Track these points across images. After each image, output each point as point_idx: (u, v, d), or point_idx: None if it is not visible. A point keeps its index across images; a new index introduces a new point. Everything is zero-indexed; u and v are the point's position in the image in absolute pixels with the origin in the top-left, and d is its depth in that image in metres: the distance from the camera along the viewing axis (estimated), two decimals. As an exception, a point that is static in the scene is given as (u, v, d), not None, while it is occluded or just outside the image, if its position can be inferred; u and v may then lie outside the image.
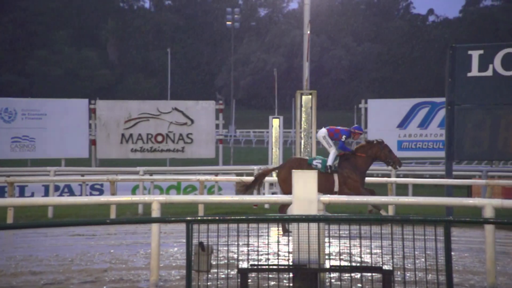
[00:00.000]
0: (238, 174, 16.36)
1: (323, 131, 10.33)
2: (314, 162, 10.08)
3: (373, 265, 5.86)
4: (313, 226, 5.92)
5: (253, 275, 5.97)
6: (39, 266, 7.50)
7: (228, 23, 51.74)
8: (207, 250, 5.76)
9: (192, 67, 57.50)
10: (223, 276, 5.93)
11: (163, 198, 7.18)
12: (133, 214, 12.57)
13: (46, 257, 7.97)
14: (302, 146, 6.74)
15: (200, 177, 13.08)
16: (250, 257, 5.95)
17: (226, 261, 5.93)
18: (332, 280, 6.16)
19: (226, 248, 5.79)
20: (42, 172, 14.58)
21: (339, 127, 10.41)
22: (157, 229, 6.72)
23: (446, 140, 11.44)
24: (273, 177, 15.80)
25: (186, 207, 12.01)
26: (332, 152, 10.15)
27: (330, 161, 10.08)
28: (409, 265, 5.73)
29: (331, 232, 5.87)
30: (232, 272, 6.06)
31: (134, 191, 15.01)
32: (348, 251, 6.02)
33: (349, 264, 6.08)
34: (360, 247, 5.76)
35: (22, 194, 14.92)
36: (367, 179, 15.17)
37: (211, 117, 17.36)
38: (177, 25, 59.02)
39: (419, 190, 15.48)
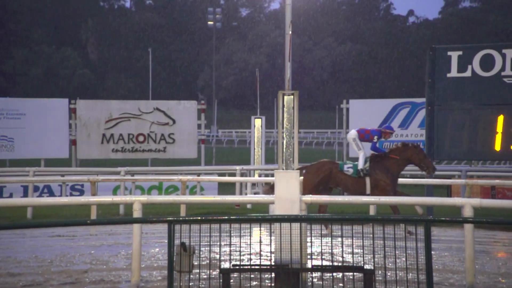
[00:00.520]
0: (220, 174, 16.35)
1: (353, 133, 10.13)
2: (345, 168, 9.88)
3: (355, 264, 5.90)
4: (295, 226, 5.93)
5: (235, 275, 5.96)
6: (18, 268, 7.40)
7: (209, 23, 51.64)
8: (189, 251, 5.73)
9: (173, 67, 57.27)
10: (205, 276, 5.91)
11: (144, 198, 7.13)
12: (114, 215, 12.47)
13: (25, 259, 7.87)
14: (284, 146, 6.74)
15: (182, 177, 13.03)
16: (232, 257, 5.94)
17: (208, 261, 5.91)
18: (314, 280, 6.18)
19: (208, 248, 5.78)
20: (21, 173, 14.38)
21: (369, 128, 10.20)
22: (138, 230, 6.68)
23: (426, 140, 11.55)
24: (256, 177, 15.85)
25: (168, 207, 11.96)
26: (362, 155, 9.94)
27: (360, 164, 9.88)
28: (390, 264, 5.77)
29: (313, 232, 5.89)
30: (214, 273, 6.05)
31: (115, 191, 14.89)
32: (330, 250, 6.05)
33: (331, 264, 6.10)
34: (342, 246, 5.78)
35: (0, 194, 14.70)
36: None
37: (193, 117, 17.30)
38: (159, 24, 58.73)
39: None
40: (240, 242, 5.87)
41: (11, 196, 14.48)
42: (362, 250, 5.78)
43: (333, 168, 9.96)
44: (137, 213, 6.87)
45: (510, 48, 11.19)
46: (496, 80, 11.11)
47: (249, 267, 6.01)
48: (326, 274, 6.08)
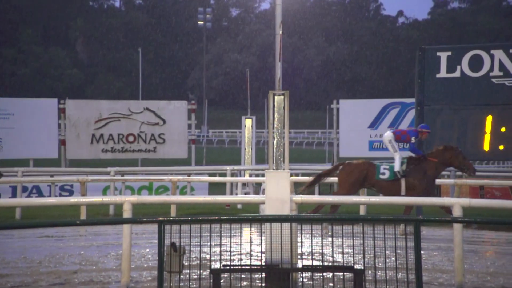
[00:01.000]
0: (210, 175, 16.33)
1: (389, 134, 9.90)
2: (382, 169, 9.73)
3: (345, 264, 5.91)
4: (286, 226, 5.94)
5: (225, 275, 5.96)
6: (6, 269, 7.34)
7: (200, 22, 51.55)
8: (179, 251, 5.72)
9: (164, 66, 57.11)
10: (196, 276, 5.90)
11: (134, 198, 7.11)
12: (104, 215, 12.41)
13: (13, 259, 7.81)
14: (275, 146, 6.74)
15: (173, 178, 13.01)
16: (222, 258, 5.94)
17: (198, 261, 5.90)
18: (304, 280, 6.19)
19: (198, 248, 5.77)
20: (10, 173, 14.28)
21: (405, 129, 9.99)
22: (128, 230, 6.65)
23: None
24: (246, 177, 15.86)
25: (158, 207, 11.92)
26: (398, 157, 9.73)
27: (397, 166, 9.67)
28: (380, 264, 5.79)
29: (303, 232, 5.91)
30: (204, 273, 6.04)
31: (105, 191, 14.82)
32: (320, 250, 6.06)
33: (321, 264, 6.11)
34: (332, 246, 5.80)
35: (-12, 195, 14.58)
36: (335, 179, 15.30)
37: (183, 117, 17.26)
38: (148, 24, 58.55)
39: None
40: (231, 242, 5.87)
41: (-1, 196, 14.37)
42: (352, 250, 5.80)
43: (369, 168, 9.80)
44: (127, 213, 6.85)
45: (498, 48, 11.29)
46: (485, 81, 11.20)
47: (239, 267, 6.00)
48: (316, 274, 6.09)
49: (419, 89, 11.53)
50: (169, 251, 5.69)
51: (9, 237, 9.61)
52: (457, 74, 11.36)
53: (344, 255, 5.84)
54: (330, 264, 6.05)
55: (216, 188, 16.08)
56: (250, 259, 6.11)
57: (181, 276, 5.79)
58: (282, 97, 6.67)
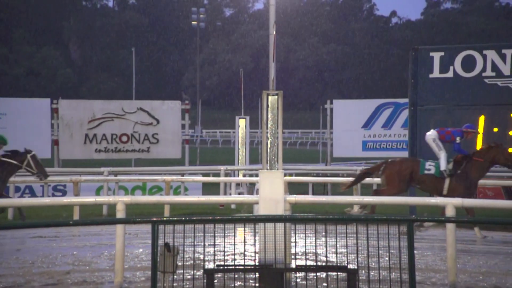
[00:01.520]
0: (204, 175, 16.32)
1: (433, 133, 9.73)
2: (427, 166, 9.58)
3: (339, 264, 5.92)
4: (280, 226, 5.94)
5: (219, 275, 5.96)
6: (-1, 270, 7.31)
7: (193, 23, 51.49)
8: (173, 251, 5.72)
9: (157, 66, 57.01)
10: (189, 277, 5.89)
11: (128, 198, 7.10)
12: (98, 216, 12.37)
13: (6, 260, 7.77)
14: (269, 147, 6.75)
15: (166, 178, 12.99)
16: (216, 258, 5.94)
17: (192, 261, 5.90)
18: (298, 280, 6.20)
19: (192, 248, 5.76)
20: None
21: (449, 129, 9.80)
22: (122, 230, 6.64)
23: (409, 140, 11.65)
24: (240, 178, 15.85)
25: (151, 207, 11.90)
26: (443, 155, 9.56)
27: (443, 165, 9.51)
28: (373, 264, 5.81)
29: (297, 232, 5.91)
30: (198, 273, 6.03)
31: (98, 192, 14.78)
32: (314, 250, 6.07)
33: (314, 264, 6.12)
34: (326, 246, 5.81)
35: (-19, 195, 14.47)
36: (332, 179, 15.31)
37: (177, 117, 17.23)
38: (142, 24, 58.42)
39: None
40: (224, 242, 5.86)
41: (-9, 197, 14.26)
42: (346, 250, 5.81)
43: (414, 165, 9.67)
44: (120, 213, 6.83)
45: (490, 49, 11.34)
46: (477, 81, 11.25)
47: (233, 267, 6.00)
48: (310, 274, 6.10)
49: (412, 89, 11.56)
50: (162, 251, 5.68)
51: (1, 237, 9.56)
52: (450, 74, 11.40)
53: (338, 255, 5.85)
54: (323, 264, 6.06)
55: (209, 188, 16.06)
56: (244, 259, 6.11)
57: (175, 276, 5.78)
58: (276, 97, 6.68)
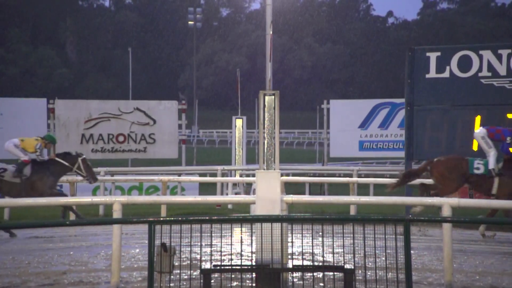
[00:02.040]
0: (201, 175, 16.30)
1: (482, 131, 9.57)
2: (476, 164, 9.41)
3: (335, 264, 5.93)
4: (276, 226, 5.94)
5: (216, 275, 5.95)
6: (-5, 270, 7.29)
7: (190, 22, 51.43)
8: (169, 251, 5.71)
9: (154, 66, 56.94)
10: (186, 277, 5.89)
11: (124, 199, 7.08)
12: (94, 216, 12.35)
13: (1, 260, 7.75)
14: (266, 147, 6.75)
15: (163, 178, 12.97)
16: (213, 258, 5.93)
17: (188, 262, 5.89)
18: (295, 280, 6.20)
19: (189, 248, 5.76)
20: None
21: (500, 127, 9.60)
22: (118, 230, 6.63)
23: (406, 140, 11.67)
24: (237, 178, 15.84)
25: (148, 208, 11.88)
26: (492, 153, 9.37)
27: (492, 164, 9.34)
28: (370, 263, 5.81)
29: (294, 232, 5.91)
30: (194, 273, 6.03)
31: (94, 192, 14.75)
32: (311, 250, 6.07)
33: (311, 264, 6.13)
34: (323, 246, 5.81)
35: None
36: (329, 179, 15.32)
37: (174, 117, 17.21)
38: (138, 24, 58.35)
39: (379, 189, 15.73)
40: (221, 242, 5.86)
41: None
42: (342, 250, 5.81)
43: (462, 163, 9.50)
44: (117, 213, 6.82)
45: (486, 49, 11.36)
46: (474, 81, 11.28)
47: (230, 267, 6.00)
48: (306, 274, 6.10)
49: (409, 89, 11.58)
50: (159, 251, 5.67)
51: (-3, 238, 9.54)
52: (446, 74, 11.43)
53: (335, 255, 5.86)
54: (320, 264, 6.06)
55: (206, 188, 16.06)
56: (241, 259, 6.11)
57: (172, 277, 5.78)
58: (273, 97, 6.68)
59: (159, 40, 58.33)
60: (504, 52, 11.15)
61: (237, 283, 6.00)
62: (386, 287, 5.62)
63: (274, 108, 6.68)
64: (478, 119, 11.01)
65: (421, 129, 11.42)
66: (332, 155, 18.31)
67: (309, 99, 52.16)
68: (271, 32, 6.93)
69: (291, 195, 7.14)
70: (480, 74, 11.24)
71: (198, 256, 5.94)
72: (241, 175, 16.20)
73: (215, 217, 6.01)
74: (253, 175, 13.30)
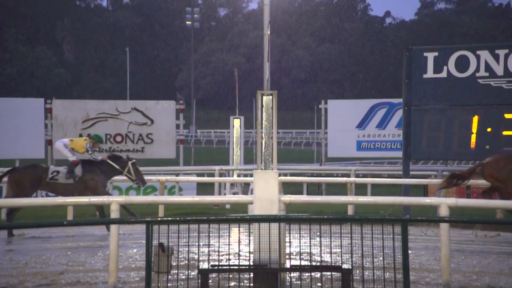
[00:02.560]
0: (199, 175, 16.29)
1: None
2: None
3: (333, 264, 5.93)
4: (274, 226, 5.94)
5: (213, 275, 5.95)
6: (-8, 270, 7.27)
7: (188, 22, 51.43)
8: (167, 251, 5.71)
9: (151, 66, 56.89)
10: (184, 277, 5.88)
11: (122, 199, 7.08)
12: (92, 216, 12.34)
13: None
14: (263, 147, 6.75)
15: (161, 178, 12.95)
16: (211, 258, 5.93)
17: (186, 262, 5.89)
18: (293, 280, 6.20)
19: (186, 249, 5.76)
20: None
21: None
22: (116, 231, 6.62)
23: (403, 141, 11.68)
24: (234, 178, 15.83)
25: (146, 208, 11.88)
26: None
27: None
28: (367, 263, 5.82)
29: (291, 232, 5.91)
30: (192, 273, 6.03)
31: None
32: (309, 250, 6.07)
33: (309, 264, 6.13)
34: (320, 246, 5.81)
35: (-26, 196, 14.39)
36: (327, 179, 15.33)
37: (171, 117, 17.19)
38: (136, 24, 58.30)
39: (377, 189, 15.76)
40: (219, 242, 5.86)
41: (-15, 197, 14.19)
42: (340, 250, 5.81)
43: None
44: (114, 213, 6.81)
45: (484, 49, 11.38)
46: (471, 81, 11.29)
47: (227, 267, 6.00)
48: (304, 274, 6.10)
49: (406, 89, 11.59)
50: (157, 251, 5.67)
51: (-5, 238, 9.52)
52: (443, 74, 11.44)
53: (332, 255, 5.86)
54: (318, 264, 6.06)
55: (204, 188, 16.05)
56: (239, 259, 6.11)
57: (169, 277, 5.77)
58: (271, 97, 6.68)
59: (156, 40, 58.30)
60: (501, 52, 11.17)
61: (235, 283, 5.99)
62: (383, 287, 5.62)
63: (272, 108, 6.68)
64: (475, 119, 11.03)
65: (418, 129, 11.43)
66: (330, 155, 18.32)
67: (307, 99, 52.17)
68: (269, 32, 6.94)
69: (289, 195, 7.14)
70: (477, 74, 11.26)
71: (196, 256, 5.93)
72: (239, 175, 16.20)
73: (213, 217, 6.01)
74: (251, 175, 13.31)
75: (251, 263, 6.09)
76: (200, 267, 5.89)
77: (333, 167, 18.25)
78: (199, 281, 5.81)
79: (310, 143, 37.43)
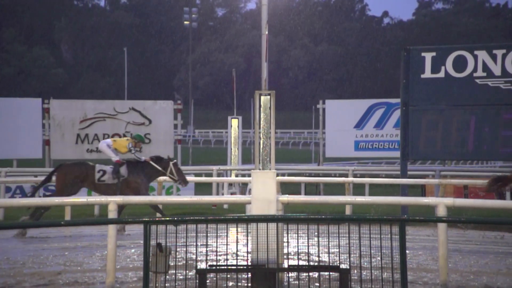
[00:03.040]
0: (197, 175, 16.27)
1: None
2: None
3: (331, 264, 5.93)
4: (272, 226, 5.94)
5: (211, 275, 5.95)
6: (-10, 271, 7.26)
7: (185, 22, 51.38)
8: (165, 251, 5.70)
9: (149, 66, 56.86)
10: (181, 277, 5.88)
11: (120, 199, 7.07)
12: (89, 216, 12.33)
13: (-3, 261, 7.73)
14: (261, 147, 6.75)
15: (159, 178, 12.91)
16: (208, 258, 5.93)
17: (184, 262, 5.88)
18: (290, 280, 6.20)
19: (184, 249, 5.75)
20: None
21: None
22: (113, 231, 6.61)
23: (401, 140, 11.69)
24: (232, 178, 15.83)
25: (143, 208, 11.87)
26: None
27: None
28: (365, 263, 5.82)
29: (289, 232, 5.91)
30: (190, 273, 6.02)
31: (90, 192, 14.70)
32: (306, 250, 6.07)
33: (307, 264, 6.13)
34: (318, 246, 5.81)
35: (-29, 196, 14.36)
36: (325, 179, 15.33)
37: (169, 117, 17.18)
38: (134, 24, 58.25)
39: (375, 189, 15.78)
40: (217, 242, 5.86)
41: (-18, 197, 14.16)
42: (338, 250, 5.82)
43: None
44: (112, 213, 6.80)
45: (481, 49, 11.40)
46: (469, 81, 11.31)
47: (225, 267, 6.00)
48: (302, 274, 6.10)
49: (404, 89, 11.61)
50: (154, 251, 5.66)
51: (-8, 238, 9.50)
52: (441, 74, 11.46)
53: (330, 255, 5.86)
54: (316, 264, 6.06)
55: (202, 188, 16.04)
56: (236, 259, 6.11)
57: (167, 277, 5.77)
58: (268, 97, 6.68)
59: (154, 40, 58.25)
60: (499, 52, 11.19)
61: (233, 283, 5.99)
62: (381, 287, 5.62)
63: (270, 108, 6.68)
64: (473, 119, 11.06)
65: (416, 129, 11.45)
66: (327, 155, 18.33)
67: (305, 99, 52.20)
68: (266, 32, 6.93)
69: (287, 195, 7.14)
70: (475, 74, 11.28)
71: (194, 256, 5.93)
72: (236, 175, 16.19)
73: (211, 217, 6.00)
74: (249, 175, 13.30)
75: (249, 263, 6.09)
76: (198, 267, 5.88)
77: (331, 167, 18.26)
78: (197, 281, 5.81)
79: (308, 143, 37.43)
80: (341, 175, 16.36)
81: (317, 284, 6.02)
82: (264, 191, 6.55)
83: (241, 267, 6.06)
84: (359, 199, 8.18)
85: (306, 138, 40.97)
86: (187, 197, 9.54)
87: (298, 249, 6.02)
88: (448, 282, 6.59)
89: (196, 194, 14.77)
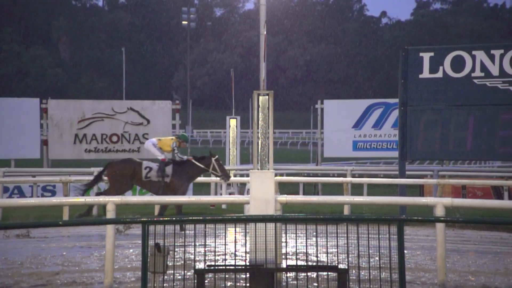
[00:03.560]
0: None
1: None
2: None
3: (329, 264, 5.93)
4: (270, 226, 5.94)
5: (209, 275, 5.94)
6: (-12, 271, 7.25)
7: (184, 22, 51.36)
8: (163, 251, 5.70)
9: (147, 66, 56.82)
10: (180, 277, 5.88)
11: (118, 199, 7.06)
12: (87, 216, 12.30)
13: (-5, 261, 7.71)
14: (260, 147, 6.75)
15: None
16: (207, 258, 5.92)
17: (182, 262, 5.88)
18: (289, 280, 6.20)
19: (182, 249, 5.75)
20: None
21: None
22: (112, 231, 6.61)
23: (399, 141, 11.70)
24: (231, 177, 15.78)
25: (142, 208, 11.86)
26: None
27: None
28: (363, 263, 5.82)
29: (288, 232, 5.91)
30: (188, 273, 6.02)
31: (88, 192, 14.68)
32: (305, 250, 6.07)
33: (305, 264, 6.13)
34: (317, 246, 5.81)
35: (-31, 196, 14.33)
36: (323, 179, 15.33)
37: (168, 117, 17.18)
38: (132, 24, 58.21)
39: (373, 189, 15.78)
40: (215, 242, 5.85)
41: (-20, 197, 14.13)
42: (336, 250, 5.82)
43: None
44: (110, 214, 6.80)
45: (479, 49, 11.42)
46: (467, 81, 11.33)
47: (224, 267, 5.99)
48: (300, 274, 6.10)
49: (402, 90, 11.62)
50: (153, 251, 5.66)
51: (-10, 238, 9.48)
52: (439, 74, 11.47)
53: (328, 255, 5.86)
54: (314, 264, 6.06)
55: (200, 188, 16.03)
56: (235, 259, 6.11)
57: (165, 277, 5.77)
58: (267, 97, 6.68)
59: (152, 40, 58.22)
60: (497, 53, 11.21)
61: (231, 283, 5.99)
62: (379, 287, 5.63)
63: (268, 108, 6.68)
64: (471, 119, 11.07)
65: (414, 129, 11.45)
66: (326, 155, 18.33)
67: (303, 99, 52.21)
68: (265, 32, 6.93)
69: (285, 195, 7.14)
70: (473, 74, 11.29)
71: (192, 256, 5.93)
72: (235, 175, 16.17)
73: (209, 217, 6.00)
74: (247, 175, 13.30)
75: (247, 263, 6.09)
76: (196, 267, 5.88)
77: (329, 167, 18.26)
78: (195, 281, 5.80)
79: (306, 143, 37.45)
80: (339, 175, 16.36)
81: (316, 284, 6.02)
82: (262, 191, 6.55)
83: (240, 267, 6.06)
84: (357, 199, 8.18)
85: (305, 138, 40.98)
86: (185, 197, 9.54)
87: (296, 249, 6.02)
88: (446, 282, 6.60)
89: (195, 194, 14.76)
